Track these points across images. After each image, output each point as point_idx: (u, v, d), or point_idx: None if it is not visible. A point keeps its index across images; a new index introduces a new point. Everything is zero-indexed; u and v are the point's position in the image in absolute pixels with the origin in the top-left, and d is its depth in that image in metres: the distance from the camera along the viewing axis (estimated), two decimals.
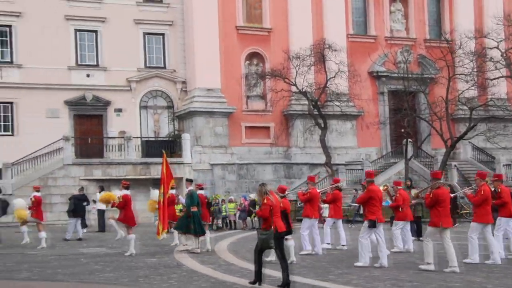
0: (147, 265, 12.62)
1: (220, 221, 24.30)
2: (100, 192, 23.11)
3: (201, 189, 17.18)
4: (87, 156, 29.06)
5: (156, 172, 28.34)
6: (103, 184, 25.00)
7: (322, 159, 30.09)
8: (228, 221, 24.12)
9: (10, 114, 29.21)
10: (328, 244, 14.87)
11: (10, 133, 29.08)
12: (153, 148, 30.69)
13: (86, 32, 30.95)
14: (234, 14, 32.34)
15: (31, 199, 17.58)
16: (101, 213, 22.81)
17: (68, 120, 30.28)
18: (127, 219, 14.83)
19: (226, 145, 31.42)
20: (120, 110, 31.30)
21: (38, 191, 18.12)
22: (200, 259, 13.34)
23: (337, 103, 31.16)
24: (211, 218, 24.06)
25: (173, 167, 29.05)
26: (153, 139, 31.83)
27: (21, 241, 17.92)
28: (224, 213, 24.09)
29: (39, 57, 29.21)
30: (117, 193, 15.46)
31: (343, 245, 14.83)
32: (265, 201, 9.18)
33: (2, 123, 29.04)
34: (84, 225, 22.30)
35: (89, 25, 30.87)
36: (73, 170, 27.61)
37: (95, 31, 31.05)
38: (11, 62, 29.50)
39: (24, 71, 29.48)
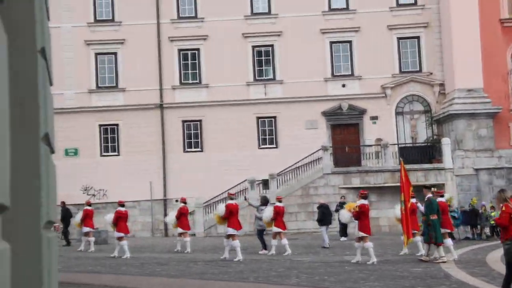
0: (412, 275, 12.30)
1: (488, 230, 22.67)
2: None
3: (441, 196, 16.30)
4: (345, 164, 29.65)
5: (415, 179, 27.65)
6: None
7: None
8: (498, 229, 22.32)
9: (273, 127, 31.37)
10: None
11: (274, 145, 31.20)
12: (411, 154, 30.04)
13: (340, 43, 31.77)
14: (497, 7, 29.98)
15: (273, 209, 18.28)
16: None
17: (326, 130, 31.31)
18: (363, 228, 14.96)
19: (492, 148, 29.20)
20: (375, 118, 31.34)
21: (280, 201, 18.74)
22: (469, 270, 12.55)
23: None
24: (478, 226, 22.64)
25: (433, 173, 28.31)
26: (411, 145, 31.14)
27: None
28: (493, 222, 22.35)
29: (297, 71, 30.85)
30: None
31: None
32: (504, 208, 8.45)
33: (267, 137, 31.32)
34: (344, 234, 22.80)
35: (343, 35, 31.64)
36: (333, 179, 28.44)
37: (349, 41, 31.69)
38: (274, 78, 31.73)
39: (285, 86, 31.45)
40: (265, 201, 19.72)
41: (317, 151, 28.95)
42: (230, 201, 17.27)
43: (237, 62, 31.00)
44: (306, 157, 29.01)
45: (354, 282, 11.54)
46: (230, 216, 16.70)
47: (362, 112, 31.39)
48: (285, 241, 17.87)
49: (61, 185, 23.03)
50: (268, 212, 18.18)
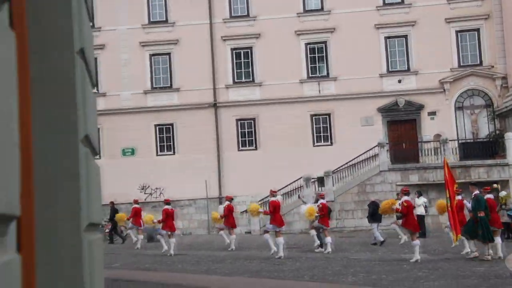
0: (474, 274, 11.91)
1: None
2: (418, 197, 22.90)
3: (489, 192, 15.82)
4: (403, 161, 29.08)
5: (476, 175, 26.86)
6: (420, 189, 24.72)
7: None
8: None
9: (328, 125, 31.08)
10: None
11: (329, 143, 30.91)
12: (472, 150, 29.24)
13: (396, 38, 31.16)
14: None
15: (318, 206, 18.28)
16: (420, 218, 22.50)
17: (382, 127, 30.80)
18: (411, 225, 14.94)
19: None
20: (433, 113, 30.59)
21: (323, 198, 18.84)
22: None
23: None
24: None
25: (496, 169, 27.34)
26: (471, 140, 30.22)
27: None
28: None
29: (351, 68, 30.43)
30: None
31: None
32: None
33: (322, 134, 31.06)
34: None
35: (398, 31, 31.01)
36: (390, 176, 27.93)
37: (405, 36, 31.04)
38: (328, 75, 31.42)
39: (339, 83, 31.09)
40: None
41: (373, 147, 28.49)
42: (273, 198, 17.52)
43: (290, 60, 30.86)
44: (362, 154, 28.61)
45: (413, 281, 11.26)
46: (274, 213, 16.97)
47: (420, 107, 30.69)
48: (328, 239, 17.90)
49: (118, 184, 23.72)
50: (303, 209, 18.48)
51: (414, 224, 15.16)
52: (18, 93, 1.97)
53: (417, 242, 14.74)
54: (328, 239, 17.83)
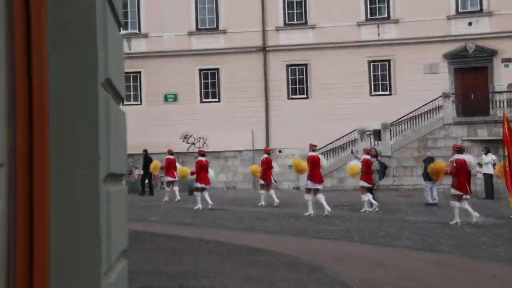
0: None
1: None
2: (486, 154, 22.43)
3: None
4: (470, 114, 28.40)
5: None
6: (489, 145, 24.14)
7: None
8: None
9: (387, 72, 30.48)
10: None
11: (388, 92, 30.38)
12: None
13: None
14: None
15: (361, 161, 18.34)
16: (488, 177, 22.10)
17: (448, 75, 30.02)
18: (461, 186, 14.67)
19: None
20: (508, 60, 29.55)
21: (368, 153, 18.74)
22: None
23: None
24: None
25: None
26: None
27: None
28: None
29: (415, 9, 29.54)
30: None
31: None
32: None
33: (380, 82, 30.52)
34: None
35: None
36: (455, 130, 27.40)
37: None
38: (388, 17, 30.62)
39: (401, 25, 30.28)
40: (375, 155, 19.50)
41: (437, 98, 27.89)
42: (312, 153, 17.40)
43: (347, 0, 30.18)
44: (424, 105, 28.06)
45: (474, 247, 11.13)
46: (313, 169, 16.81)
47: (492, 53, 29.67)
48: (365, 197, 17.97)
49: (159, 132, 24.01)
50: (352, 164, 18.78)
51: (464, 186, 14.75)
52: (34, 33, 1.99)
53: (456, 203, 14.56)
54: (365, 197, 17.79)
